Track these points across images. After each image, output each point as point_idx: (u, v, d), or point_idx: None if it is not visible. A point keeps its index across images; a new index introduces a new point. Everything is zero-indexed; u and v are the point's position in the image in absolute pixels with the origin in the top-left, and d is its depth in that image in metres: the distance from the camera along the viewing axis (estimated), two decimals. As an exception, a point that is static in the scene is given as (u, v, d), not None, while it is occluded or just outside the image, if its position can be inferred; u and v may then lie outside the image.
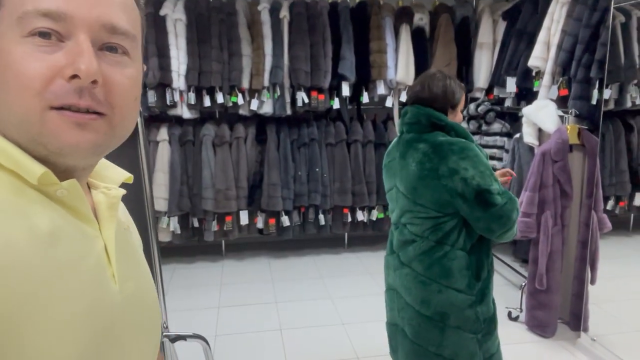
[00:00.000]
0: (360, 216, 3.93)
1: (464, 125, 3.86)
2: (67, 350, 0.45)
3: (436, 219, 1.46)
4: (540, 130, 2.99)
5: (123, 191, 0.60)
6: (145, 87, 3.47)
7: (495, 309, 1.57)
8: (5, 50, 0.47)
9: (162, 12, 3.49)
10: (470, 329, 1.48)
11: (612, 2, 2.50)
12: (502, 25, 3.81)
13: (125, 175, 0.63)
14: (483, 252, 1.49)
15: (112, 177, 0.61)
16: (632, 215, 3.08)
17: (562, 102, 2.93)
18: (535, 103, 2.92)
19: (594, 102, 2.74)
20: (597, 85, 2.72)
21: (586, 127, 2.73)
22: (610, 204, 3.07)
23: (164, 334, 1.25)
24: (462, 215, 1.45)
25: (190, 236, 3.83)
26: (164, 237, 3.72)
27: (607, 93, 2.79)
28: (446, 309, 1.48)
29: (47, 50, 0.47)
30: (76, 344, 0.46)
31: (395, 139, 1.63)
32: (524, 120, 3.02)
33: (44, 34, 0.47)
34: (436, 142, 1.43)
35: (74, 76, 0.47)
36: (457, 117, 1.53)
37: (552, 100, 2.92)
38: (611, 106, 2.90)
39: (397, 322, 1.63)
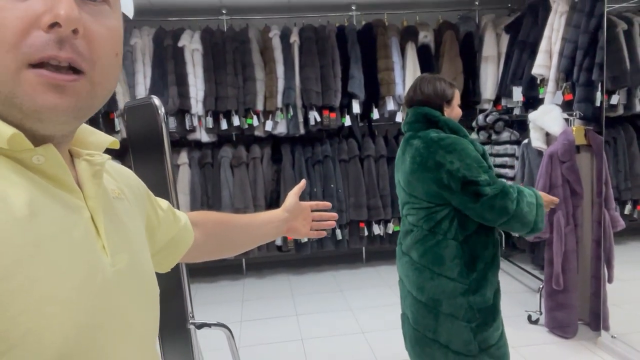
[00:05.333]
0: (377, 230, 3.99)
1: (474, 136, 3.94)
2: (62, 327, 0.42)
3: (428, 209, 1.56)
4: (547, 134, 3.06)
5: (108, 157, 0.56)
6: (165, 114, 3.66)
7: (496, 302, 1.61)
8: None
9: (180, 44, 3.72)
10: (463, 317, 1.54)
11: (605, 7, 2.59)
12: (505, 39, 3.93)
13: (110, 140, 0.58)
14: (479, 245, 1.56)
15: (96, 143, 0.56)
16: (651, 218, 3.09)
17: (567, 106, 3.00)
18: (540, 108, 3.00)
19: (597, 104, 2.81)
20: (599, 88, 2.79)
21: (592, 128, 2.79)
22: (628, 208, 3.09)
23: (190, 321, 1.35)
24: (453, 206, 1.54)
25: (211, 255, 3.94)
26: (187, 257, 3.84)
27: (615, 98, 2.86)
28: (438, 296, 1.55)
29: None
30: (70, 320, 0.43)
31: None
32: (531, 125, 3.09)
33: None
34: (427, 138, 1.55)
35: (54, 24, 0.42)
36: (454, 111, 1.64)
37: (557, 105, 2.99)
38: (620, 111, 2.96)
39: (405, 311, 1.71)
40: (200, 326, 1.32)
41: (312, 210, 1.09)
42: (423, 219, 1.58)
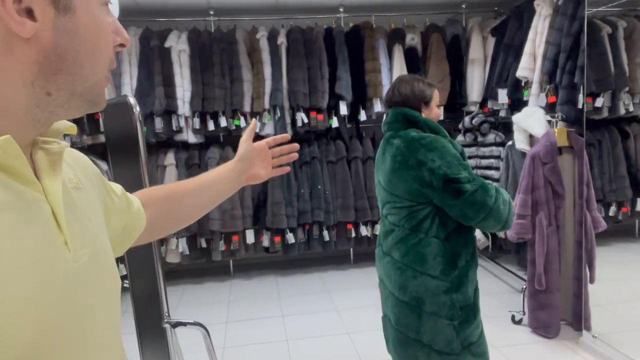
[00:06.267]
0: (364, 231, 4.00)
1: (460, 137, 3.96)
2: (24, 327, 0.41)
3: (410, 208, 1.57)
4: (531, 136, 3.09)
5: (66, 144, 0.54)
6: (152, 114, 3.66)
7: (476, 299, 1.62)
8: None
9: (167, 44, 3.71)
10: (446, 315, 1.55)
11: (586, 10, 2.63)
12: (491, 41, 3.96)
13: (67, 125, 0.56)
14: (460, 242, 1.57)
15: (52, 129, 0.53)
16: (637, 220, 3.12)
17: (551, 108, 3.03)
18: (524, 110, 3.03)
19: (580, 106, 2.84)
20: (581, 90, 2.82)
21: (574, 130, 2.82)
22: (612, 210, 3.12)
23: (166, 320, 1.35)
24: (435, 204, 1.54)
25: (198, 257, 3.93)
26: (173, 259, 3.82)
27: (599, 101, 2.89)
28: (421, 294, 1.55)
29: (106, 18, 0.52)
30: (33, 319, 0.42)
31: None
32: (514, 127, 3.12)
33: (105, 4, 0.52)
34: (408, 137, 1.56)
35: (121, 45, 0.54)
36: (433, 112, 1.65)
37: (541, 107, 3.02)
38: (605, 114, 3.00)
39: (386, 313, 1.70)
40: (175, 325, 1.32)
41: (271, 148, 1.01)
42: (405, 218, 1.59)
